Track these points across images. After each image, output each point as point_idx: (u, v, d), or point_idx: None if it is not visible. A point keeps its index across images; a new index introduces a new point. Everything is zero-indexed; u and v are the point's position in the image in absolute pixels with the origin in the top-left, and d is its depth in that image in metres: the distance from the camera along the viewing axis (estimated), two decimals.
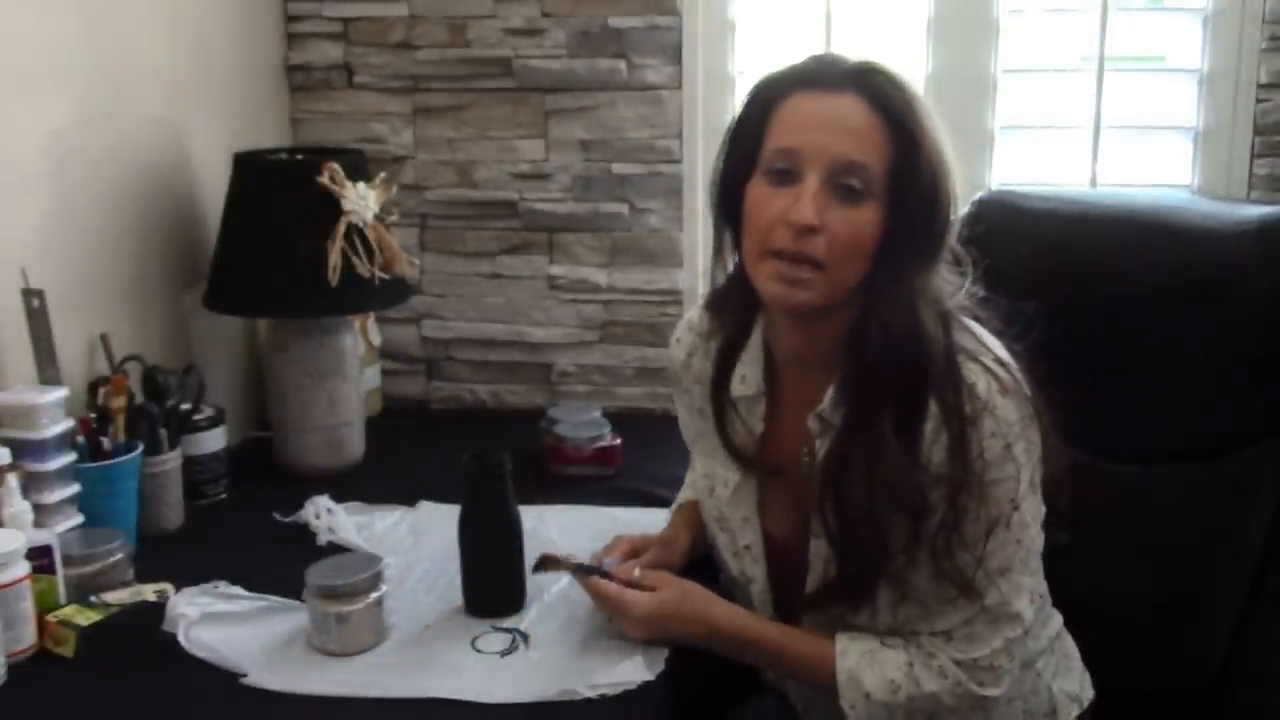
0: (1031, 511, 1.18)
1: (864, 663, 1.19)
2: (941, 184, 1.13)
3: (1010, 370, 1.16)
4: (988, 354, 1.16)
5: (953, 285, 1.19)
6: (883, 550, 1.15)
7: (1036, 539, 1.21)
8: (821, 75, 1.15)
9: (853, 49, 1.20)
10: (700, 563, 1.39)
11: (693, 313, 1.36)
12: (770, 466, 1.27)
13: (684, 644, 1.26)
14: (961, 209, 1.52)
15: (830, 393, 1.19)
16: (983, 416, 1.12)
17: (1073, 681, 1.33)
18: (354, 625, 1.25)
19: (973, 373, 1.14)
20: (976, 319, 1.21)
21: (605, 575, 1.27)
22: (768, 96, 1.17)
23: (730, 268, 1.26)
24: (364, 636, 1.26)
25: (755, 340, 1.28)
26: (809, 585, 1.23)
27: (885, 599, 1.19)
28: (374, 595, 1.27)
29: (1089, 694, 1.34)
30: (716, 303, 1.30)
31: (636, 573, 1.27)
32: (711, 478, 1.32)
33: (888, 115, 1.11)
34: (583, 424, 1.81)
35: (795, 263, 1.13)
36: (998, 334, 1.20)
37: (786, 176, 1.13)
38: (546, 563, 1.30)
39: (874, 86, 1.12)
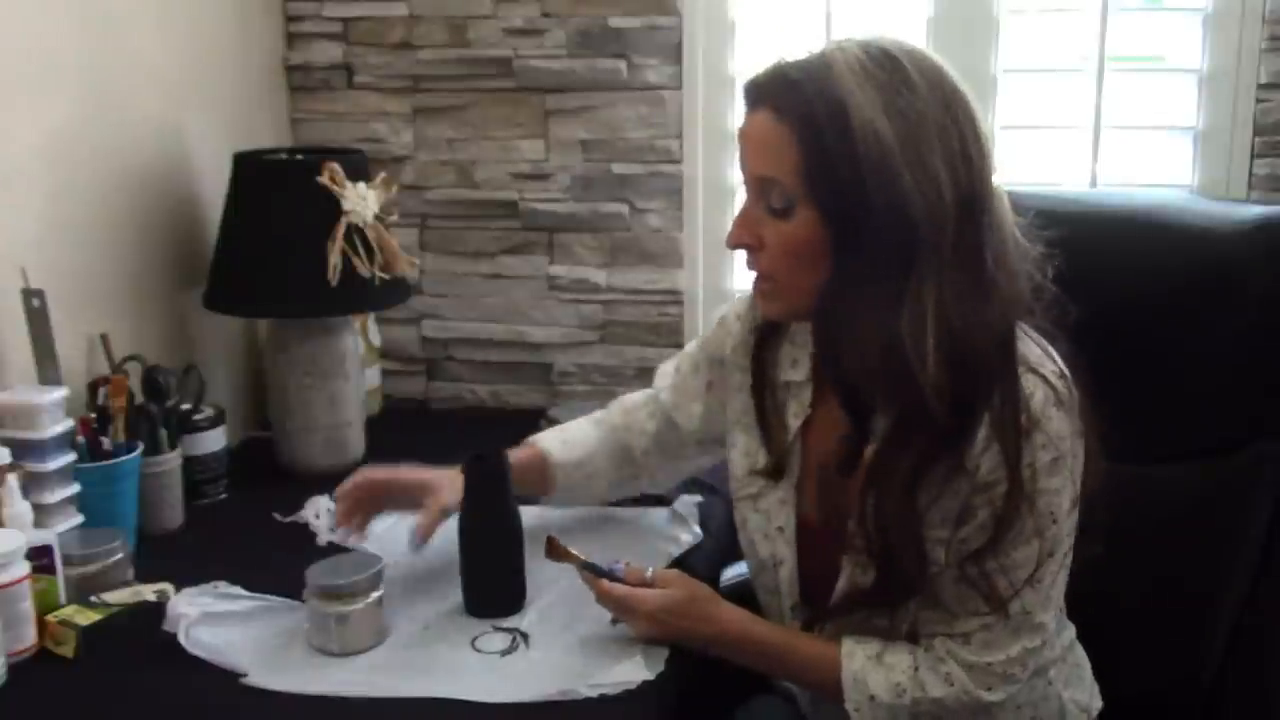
0: (1069, 526, 1.17)
1: (870, 665, 1.19)
2: (876, 177, 1.05)
3: (1069, 385, 1.14)
4: (1050, 366, 1.14)
5: (1015, 296, 1.13)
6: (919, 559, 1.14)
7: (1070, 554, 1.20)
8: (747, 94, 1.15)
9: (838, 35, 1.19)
10: (704, 572, 1.40)
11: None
12: (811, 452, 1.27)
13: (689, 646, 1.26)
14: None
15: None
16: (1036, 429, 1.11)
17: (1083, 691, 1.32)
18: (354, 625, 1.25)
19: (1032, 384, 1.11)
20: (1044, 330, 1.17)
21: (614, 578, 1.27)
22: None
23: None
24: (364, 636, 1.26)
25: (807, 327, 1.26)
26: (839, 586, 1.22)
27: (912, 603, 1.19)
28: (374, 595, 1.27)
29: (1098, 704, 1.33)
30: None
31: (649, 573, 1.27)
32: (752, 456, 1.31)
33: (790, 119, 1.09)
34: None
35: (757, 277, 1.18)
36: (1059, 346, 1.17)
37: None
38: (554, 549, 1.29)
39: (777, 94, 1.11)
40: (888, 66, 1.08)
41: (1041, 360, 1.14)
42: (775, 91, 1.11)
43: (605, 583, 1.26)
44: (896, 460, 1.13)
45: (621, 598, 1.25)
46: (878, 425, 1.17)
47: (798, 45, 1.16)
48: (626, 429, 1.48)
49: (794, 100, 1.09)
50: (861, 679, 1.18)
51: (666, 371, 1.48)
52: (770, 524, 1.29)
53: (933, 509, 1.13)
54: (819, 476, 1.26)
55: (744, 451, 1.33)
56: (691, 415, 1.42)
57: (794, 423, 1.28)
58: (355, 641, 1.25)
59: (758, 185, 1.14)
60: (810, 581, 1.28)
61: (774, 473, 1.28)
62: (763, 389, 1.30)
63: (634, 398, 1.51)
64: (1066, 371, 1.15)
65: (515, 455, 1.42)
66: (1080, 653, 1.35)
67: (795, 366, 1.29)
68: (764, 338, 1.31)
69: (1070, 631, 1.33)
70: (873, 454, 1.16)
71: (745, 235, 1.15)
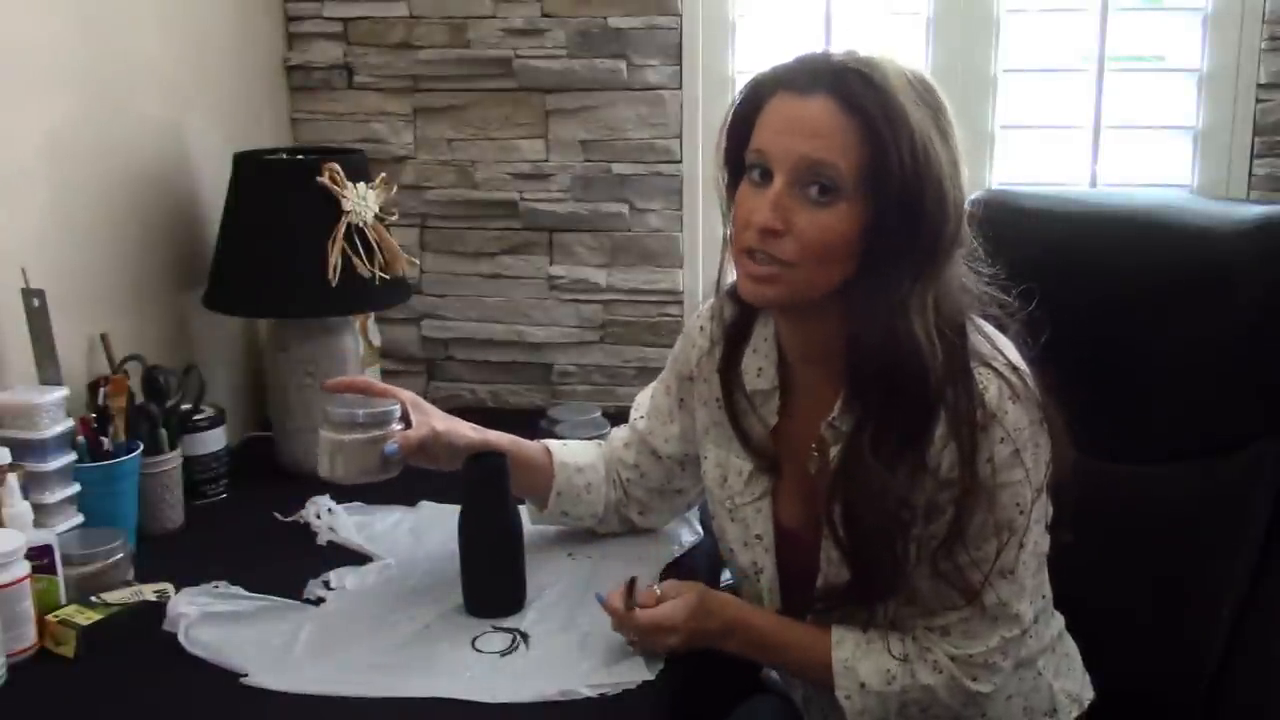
0: (1037, 515, 1.18)
1: (859, 653, 1.20)
2: (926, 185, 1.10)
3: (1023, 376, 1.16)
4: (1000, 359, 1.16)
5: (971, 292, 1.19)
6: (893, 557, 1.15)
7: (1041, 541, 1.22)
8: (798, 78, 1.14)
9: (849, 42, 1.19)
10: (704, 572, 1.40)
11: (714, 301, 1.33)
12: (783, 460, 1.27)
13: (708, 645, 1.25)
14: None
15: (840, 401, 1.20)
16: (993, 423, 1.12)
17: (1074, 682, 1.33)
18: (347, 454, 1.32)
19: (985, 378, 1.14)
20: (994, 320, 1.20)
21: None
22: (757, 97, 1.18)
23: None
24: (352, 470, 1.32)
25: (769, 335, 1.28)
26: (819, 584, 1.24)
27: (889, 601, 1.19)
28: (374, 433, 1.32)
29: (1089, 695, 1.34)
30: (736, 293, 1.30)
31: (658, 590, 1.27)
32: (724, 467, 1.31)
33: (860, 115, 1.10)
34: (583, 424, 1.81)
35: (762, 260, 1.13)
36: (1011, 334, 1.20)
37: (764, 178, 1.14)
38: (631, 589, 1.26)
39: (846, 87, 1.11)
40: (921, 88, 1.13)
41: (992, 354, 1.16)
42: (838, 83, 1.11)
43: (636, 612, 1.24)
44: (862, 461, 1.14)
45: (655, 619, 1.23)
46: (843, 425, 1.18)
47: (798, 45, 1.16)
48: (610, 456, 1.47)
49: (860, 97, 1.10)
50: (851, 666, 1.19)
51: (641, 402, 1.47)
52: (749, 532, 1.30)
53: (900, 507, 1.14)
54: (795, 480, 1.27)
55: (715, 463, 1.33)
56: (669, 437, 1.41)
57: (762, 430, 1.28)
58: (344, 471, 1.32)
59: (802, 169, 1.11)
60: (792, 586, 1.29)
61: (768, 471, 1.28)
62: (733, 397, 1.29)
63: (616, 433, 1.50)
64: (1020, 364, 1.17)
65: (520, 443, 1.42)
66: (1070, 643, 1.36)
67: (761, 375, 1.28)
68: (730, 346, 1.30)
69: (1059, 622, 1.34)
70: (839, 455, 1.18)
71: (777, 219, 1.11)
